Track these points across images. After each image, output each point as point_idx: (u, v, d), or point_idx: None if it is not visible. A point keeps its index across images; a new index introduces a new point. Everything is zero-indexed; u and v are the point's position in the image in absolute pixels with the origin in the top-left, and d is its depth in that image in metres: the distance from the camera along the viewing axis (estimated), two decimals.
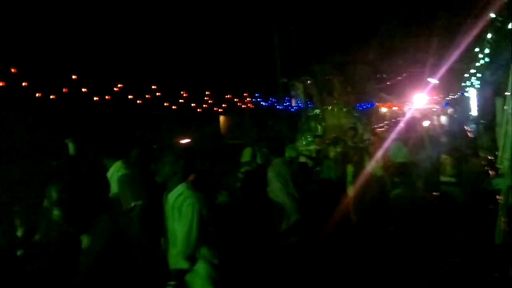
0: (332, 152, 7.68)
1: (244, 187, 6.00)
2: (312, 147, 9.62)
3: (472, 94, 22.05)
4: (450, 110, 26.73)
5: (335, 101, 12.39)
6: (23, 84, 9.44)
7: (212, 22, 14.95)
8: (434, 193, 6.37)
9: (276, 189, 5.60)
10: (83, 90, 10.41)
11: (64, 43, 10.24)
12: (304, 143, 11.13)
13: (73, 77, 10.22)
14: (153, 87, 13.08)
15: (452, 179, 6.36)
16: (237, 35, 16.18)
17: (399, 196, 5.49)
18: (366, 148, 7.95)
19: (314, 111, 12.17)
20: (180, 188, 3.54)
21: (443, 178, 6.46)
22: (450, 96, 26.72)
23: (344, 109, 12.08)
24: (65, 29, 10.28)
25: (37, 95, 9.63)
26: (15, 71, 9.38)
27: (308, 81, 12.31)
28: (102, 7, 11.34)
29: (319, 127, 11.88)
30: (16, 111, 9.22)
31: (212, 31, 15.29)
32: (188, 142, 6.85)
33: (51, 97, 9.86)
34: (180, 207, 3.41)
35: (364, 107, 23.79)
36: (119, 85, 11.42)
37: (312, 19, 16.38)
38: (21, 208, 5.42)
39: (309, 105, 12.85)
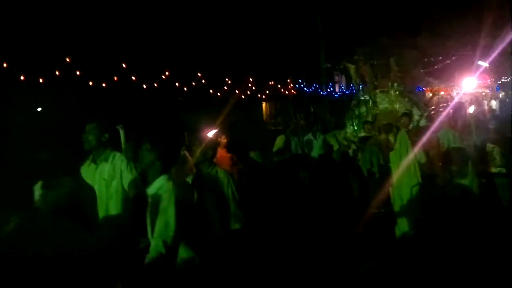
0: (385, 141, 7.29)
1: (275, 178, 5.80)
2: (362, 134, 9.14)
3: None
4: (501, 94, 25.62)
5: (390, 84, 11.36)
6: (77, 73, 9.89)
7: (255, 9, 14.96)
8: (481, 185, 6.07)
9: None
10: (133, 78, 10.76)
11: (114, 33, 10.58)
12: (352, 129, 10.65)
13: (123, 65, 10.57)
14: (198, 74, 13.31)
15: (503, 170, 5.93)
16: (280, 21, 16.11)
17: (458, 187, 5.13)
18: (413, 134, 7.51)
19: (365, 95, 11.20)
20: (160, 181, 3.05)
21: (492, 169, 6.01)
22: (502, 80, 25.57)
23: (397, 92, 10.98)
24: (116, 20, 10.62)
25: (90, 83, 10.05)
26: (70, 60, 9.82)
27: (362, 62, 11.50)
28: None
29: (370, 112, 10.97)
30: (72, 99, 9.67)
31: (255, 17, 15.30)
32: (216, 130, 6.56)
33: (103, 85, 10.26)
34: (159, 202, 2.95)
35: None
36: (166, 73, 11.71)
37: (357, 2, 16.08)
38: None
39: (359, 89, 12.00)
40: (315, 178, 7.82)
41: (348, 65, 11.77)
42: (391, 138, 7.22)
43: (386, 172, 6.41)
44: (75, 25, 9.88)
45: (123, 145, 5.73)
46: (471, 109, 10.07)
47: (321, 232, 5.54)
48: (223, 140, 6.71)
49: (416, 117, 9.89)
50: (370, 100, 11.25)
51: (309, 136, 9.25)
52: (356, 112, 11.25)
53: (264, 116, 21.38)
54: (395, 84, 11.22)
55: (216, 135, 6.41)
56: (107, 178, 4.08)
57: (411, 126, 8.11)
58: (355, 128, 10.79)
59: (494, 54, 15.96)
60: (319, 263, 4.90)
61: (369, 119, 10.51)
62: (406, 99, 11.07)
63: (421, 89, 23.48)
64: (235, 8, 14.58)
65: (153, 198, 2.99)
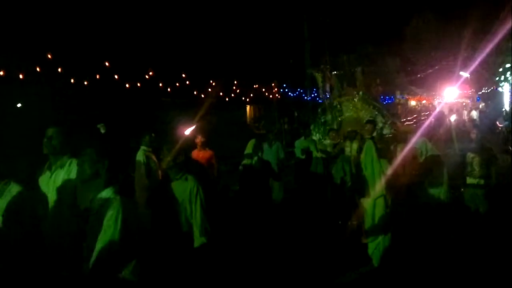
0: (348, 148, 7.23)
1: (240, 182, 5.58)
2: (327, 141, 9.04)
3: (506, 89, 21.46)
4: (481, 105, 26.07)
5: (355, 92, 11.35)
6: (58, 69, 9.76)
7: (242, 12, 14.99)
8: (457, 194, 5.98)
9: None
10: (115, 77, 10.66)
11: (97, 30, 10.48)
12: (318, 137, 10.57)
13: (106, 64, 10.47)
14: (182, 75, 13.26)
15: (481, 181, 5.78)
16: (266, 25, 16.18)
17: (433, 195, 4.99)
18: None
19: (331, 102, 11.12)
20: (106, 194, 2.74)
21: (470, 180, 5.85)
22: (482, 91, 26.07)
23: (362, 101, 10.94)
24: (99, 17, 10.51)
25: (71, 80, 9.93)
26: (51, 57, 9.69)
27: (328, 71, 11.47)
28: None
29: (335, 120, 10.89)
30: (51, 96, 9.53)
31: (242, 21, 15.33)
32: (192, 130, 6.27)
33: (84, 83, 10.15)
34: (104, 217, 2.64)
35: (393, 100, 23.43)
36: (150, 73, 11.64)
37: (343, 9, 16.23)
38: None
39: (326, 96, 11.90)
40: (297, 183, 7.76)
41: (315, 74, 11.68)
42: (355, 145, 7.18)
43: (357, 181, 6.21)
44: (57, 20, 9.75)
45: None
46: (452, 118, 9.95)
47: (291, 243, 5.44)
48: (199, 139, 6.46)
49: (379, 125, 9.81)
50: (336, 108, 11.15)
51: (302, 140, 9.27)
52: (322, 120, 11.17)
53: (248, 119, 21.39)
54: (361, 92, 11.20)
55: (192, 135, 6.28)
56: (60, 186, 3.76)
57: (374, 133, 8.05)
58: (321, 135, 10.69)
59: (475, 65, 16.23)
60: (292, 275, 4.83)
61: (334, 126, 10.45)
62: (371, 106, 11.02)
63: (402, 97, 23.83)
64: (221, 11, 14.59)
65: (97, 212, 2.68)
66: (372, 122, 8.45)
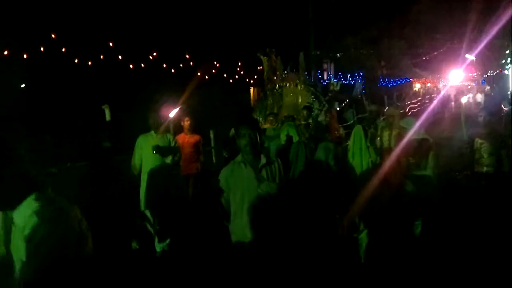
0: (285, 132, 6.87)
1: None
2: (266, 125, 8.87)
3: (511, 72, 21.33)
4: (487, 88, 25.90)
5: (295, 78, 11.39)
6: (62, 49, 9.73)
7: None
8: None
9: None
10: (119, 57, 10.61)
11: (102, 10, 10.42)
12: (259, 121, 10.48)
13: (110, 44, 10.42)
14: (186, 56, 13.19)
15: (490, 169, 5.37)
16: (270, 7, 16.02)
17: (415, 181, 4.75)
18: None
19: (273, 86, 11.07)
20: (30, 204, 1.82)
21: (478, 168, 5.47)
22: (488, 73, 25.87)
23: (303, 86, 10.99)
24: None
25: (75, 61, 9.91)
26: (55, 37, 9.65)
27: (274, 54, 11.44)
28: None
29: (276, 104, 10.88)
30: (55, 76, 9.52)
31: (245, 2, 15.19)
32: (177, 113, 5.80)
33: (88, 63, 10.13)
34: (35, 233, 1.75)
35: (398, 82, 23.32)
36: (154, 54, 11.58)
37: None
38: None
39: (269, 81, 11.82)
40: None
41: (261, 57, 11.57)
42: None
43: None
44: (61, 2, 9.70)
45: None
46: (463, 99, 9.51)
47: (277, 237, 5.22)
48: (187, 122, 6.13)
49: (315, 111, 9.67)
50: (277, 92, 11.14)
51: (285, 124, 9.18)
52: (264, 104, 11.13)
53: (252, 102, 21.28)
54: (302, 78, 11.27)
55: (178, 117, 5.99)
56: None
57: (310, 120, 7.92)
58: (262, 119, 10.65)
59: (481, 47, 16.09)
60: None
61: (275, 111, 10.41)
62: (310, 92, 11.03)
63: (407, 80, 23.59)
64: None
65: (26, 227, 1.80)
66: (309, 108, 8.36)
